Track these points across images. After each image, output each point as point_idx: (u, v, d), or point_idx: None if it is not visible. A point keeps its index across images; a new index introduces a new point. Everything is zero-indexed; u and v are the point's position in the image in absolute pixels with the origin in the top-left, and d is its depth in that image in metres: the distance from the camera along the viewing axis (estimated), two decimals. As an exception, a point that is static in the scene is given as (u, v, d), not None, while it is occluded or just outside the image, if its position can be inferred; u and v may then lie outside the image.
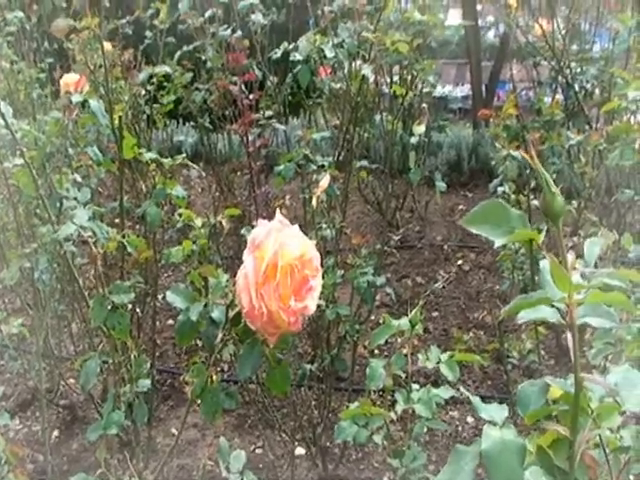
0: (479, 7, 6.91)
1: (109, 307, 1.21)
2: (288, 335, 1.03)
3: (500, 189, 2.37)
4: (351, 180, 3.57)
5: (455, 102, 8.04)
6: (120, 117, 1.56)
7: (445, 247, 3.93)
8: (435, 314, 3.24)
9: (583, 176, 2.92)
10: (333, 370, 2.20)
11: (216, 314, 1.04)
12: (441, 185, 3.10)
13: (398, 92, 2.81)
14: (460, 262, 3.71)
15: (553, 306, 0.59)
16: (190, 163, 1.81)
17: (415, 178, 3.28)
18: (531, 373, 2.47)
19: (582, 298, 0.55)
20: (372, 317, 2.78)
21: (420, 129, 2.40)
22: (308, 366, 2.08)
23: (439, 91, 7.26)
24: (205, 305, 1.05)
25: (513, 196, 2.40)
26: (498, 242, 0.55)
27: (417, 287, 3.47)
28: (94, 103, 1.82)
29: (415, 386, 1.39)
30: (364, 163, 3.27)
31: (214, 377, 1.03)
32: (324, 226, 2.12)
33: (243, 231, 1.98)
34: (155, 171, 1.67)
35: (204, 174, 3.12)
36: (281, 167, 2.17)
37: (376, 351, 2.82)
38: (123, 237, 1.37)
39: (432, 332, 3.08)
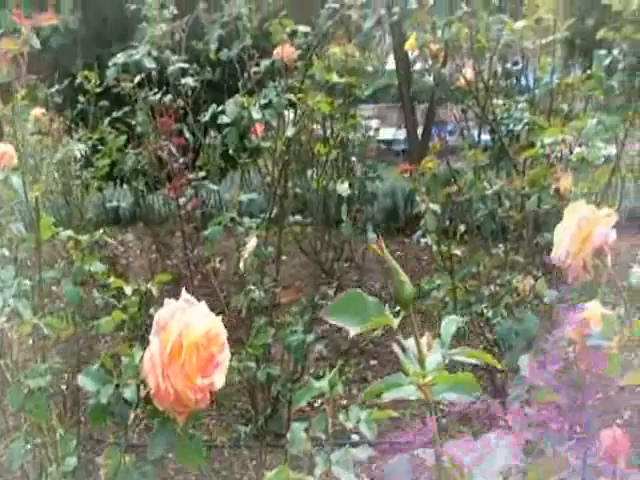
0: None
1: (25, 391, 1.23)
2: (199, 411, 1.05)
3: (423, 240, 2.45)
4: (288, 234, 3.63)
5: (398, 144, 8.21)
6: (36, 197, 1.58)
7: (383, 294, 3.98)
8: (373, 362, 3.28)
9: (508, 220, 3.02)
10: (269, 429, 2.22)
11: (128, 394, 1.06)
12: (372, 236, 3.18)
13: (322, 151, 2.88)
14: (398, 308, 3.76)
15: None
16: (108, 239, 1.83)
17: (347, 231, 3.36)
18: (459, 419, 2.51)
19: (432, 379, 0.60)
20: (312, 370, 2.80)
21: (344, 187, 2.46)
22: (243, 428, 2.09)
23: (383, 134, 7.45)
24: (117, 386, 1.07)
25: (435, 247, 2.48)
26: (353, 331, 0.59)
27: (356, 337, 3.51)
28: (16, 180, 1.84)
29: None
30: (298, 218, 3.33)
31: (126, 457, 1.04)
32: (252, 288, 2.15)
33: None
34: (73, 248, 1.69)
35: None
36: (208, 231, 2.21)
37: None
38: (42, 317, 1.38)
39: (370, 381, 3.12)
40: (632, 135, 2.97)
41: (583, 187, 2.34)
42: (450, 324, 0.66)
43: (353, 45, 2.87)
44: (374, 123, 7.71)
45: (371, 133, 7.19)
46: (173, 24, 4.33)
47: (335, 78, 2.58)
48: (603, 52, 2.42)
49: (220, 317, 1.06)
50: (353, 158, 3.66)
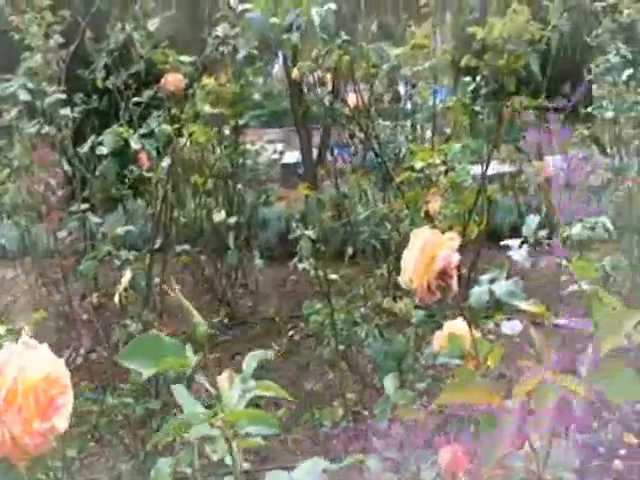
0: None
1: None
2: (44, 456, 1.03)
3: (301, 265, 2.48)
4: (178, 264, 3.61)
5: (302, 167, 8.27)
6: None
7: (277, 319, 4.01)
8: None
9: (390, 241, 3.10)
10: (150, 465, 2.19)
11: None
12: (259, 263, 3.20)
13: (199, 181, 2.89)
14: (291, 332, 3.79)
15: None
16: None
17: (233, 259, 3.37)
18: (344, 440, 2.55)
19: (228, 415, 0.61)
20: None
21: (220, 215, 2.48)
22: (123, 465, 2.06)
23: (287, 157, 7.52)
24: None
25: (313, 272, 2.51)
26: (146, 373, 0.60)
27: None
28: None
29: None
30: (186, 247, 3.32)
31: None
32: (129, 322, 2.13)
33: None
34: None
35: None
36: (82, 266, 2.17)
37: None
38: None
39: (264, 407, 3.12)
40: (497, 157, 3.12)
41: (453, 208, 2.43)
42: (252, 359, 0.68)
43: (229, 75, 2.90)
44: (279, 146, 7.79)
45: (275, 156, 7.28)
46: (59, 53, 4.26)
47: (207, 109, 2.59)
48: (468, 79, 2.53)
49: (63, 359, 1.04)
50: (239, 186, 3.69)
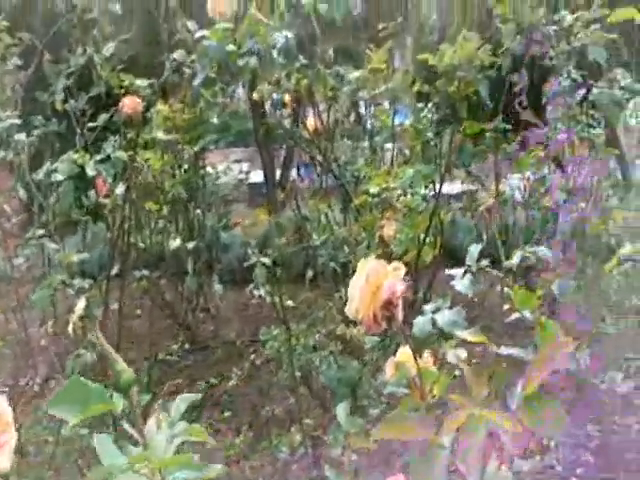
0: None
1: None
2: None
3: (257, 292, 2.49)
4: (138, 289, 3.59)
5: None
6: None
7: (238, 343, 4.00)
8: (227, 414, 3.27)
9: (349, 264, 3.11)
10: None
11: None
12: (218, 288, 3.19)
13: (153, 207, 2.89)
14: (253, 357, 3.78)
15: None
16: None
17: (192, 284, 3.36)
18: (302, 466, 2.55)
19: (154, 462, 0.62)
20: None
21: (175, 243, 2.47)
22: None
23: (253, 177, 7.52)
24: None
25: (269, 298, 2.52)
26: (72, 420, 0.60)
27: (211, 389, 3.49)
28: None
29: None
30: (144, 272, 3.31)
31: None
32: (82, 352, 2.11)
33: None
34: None
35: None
36: (35, 295, 2.16)
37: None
38: None
39: (224, 433, 3.11)
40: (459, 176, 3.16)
41: (408, 232, 2.45)
42: (182, 403, 0.69)
43: (187, 100, 2.91)
44: (245, 166, 7.75)
45: (242, 176, 7.26)
46: (17, 75, 4.24)
47: (161, 135, 2.59)
48: (421, 105, 2.57)
49: (3, 396, 1.03)
50: (198, 210, 3.68)
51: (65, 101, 3.82)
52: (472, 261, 1.26)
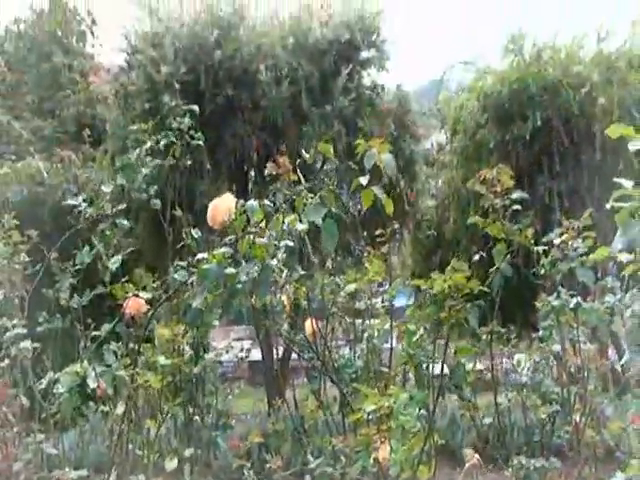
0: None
1: None
2: None
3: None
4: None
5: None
6: None
7: None
8: None
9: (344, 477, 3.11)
10: None
11: None
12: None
13: (153, 425, 2.94)
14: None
15: None
16: None
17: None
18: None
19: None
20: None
21: (172, 464, 2.50)
22: None
23: (254, 355, 7.54)
24: None
25: None
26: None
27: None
28: None
29: None
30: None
31: None
32: None
33: None
34: None
35: None
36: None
37: None
38: None
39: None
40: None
41: (402, 455, 2.48)
42: None
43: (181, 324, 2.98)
44: (246, 344, 7.74)
45: (242, 354, 7.27)
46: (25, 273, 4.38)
47: (162, 361, 2.69)
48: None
49: None
50: (196, 417, 3.68)
51: (70, 297, 3.93)
52: None
